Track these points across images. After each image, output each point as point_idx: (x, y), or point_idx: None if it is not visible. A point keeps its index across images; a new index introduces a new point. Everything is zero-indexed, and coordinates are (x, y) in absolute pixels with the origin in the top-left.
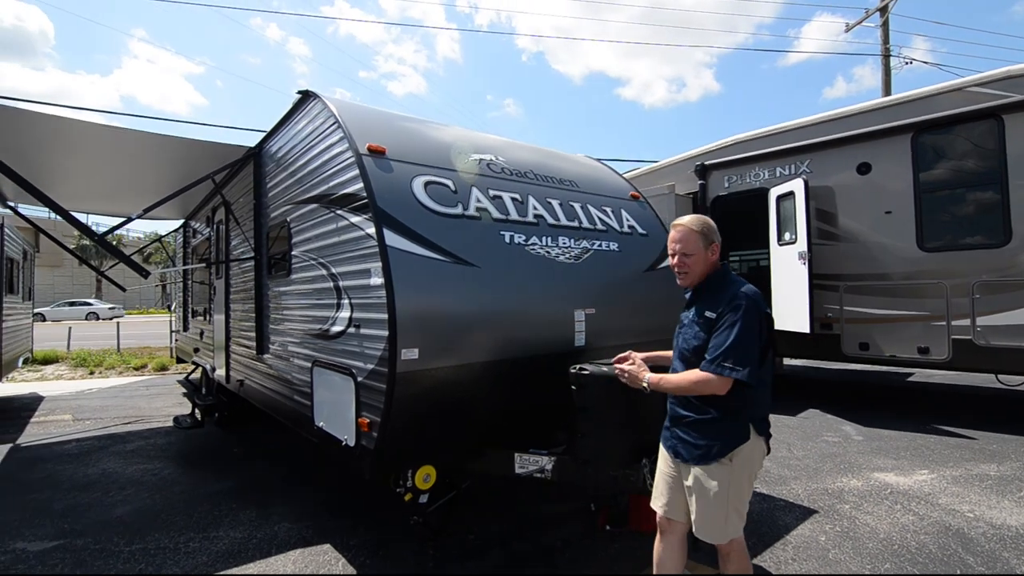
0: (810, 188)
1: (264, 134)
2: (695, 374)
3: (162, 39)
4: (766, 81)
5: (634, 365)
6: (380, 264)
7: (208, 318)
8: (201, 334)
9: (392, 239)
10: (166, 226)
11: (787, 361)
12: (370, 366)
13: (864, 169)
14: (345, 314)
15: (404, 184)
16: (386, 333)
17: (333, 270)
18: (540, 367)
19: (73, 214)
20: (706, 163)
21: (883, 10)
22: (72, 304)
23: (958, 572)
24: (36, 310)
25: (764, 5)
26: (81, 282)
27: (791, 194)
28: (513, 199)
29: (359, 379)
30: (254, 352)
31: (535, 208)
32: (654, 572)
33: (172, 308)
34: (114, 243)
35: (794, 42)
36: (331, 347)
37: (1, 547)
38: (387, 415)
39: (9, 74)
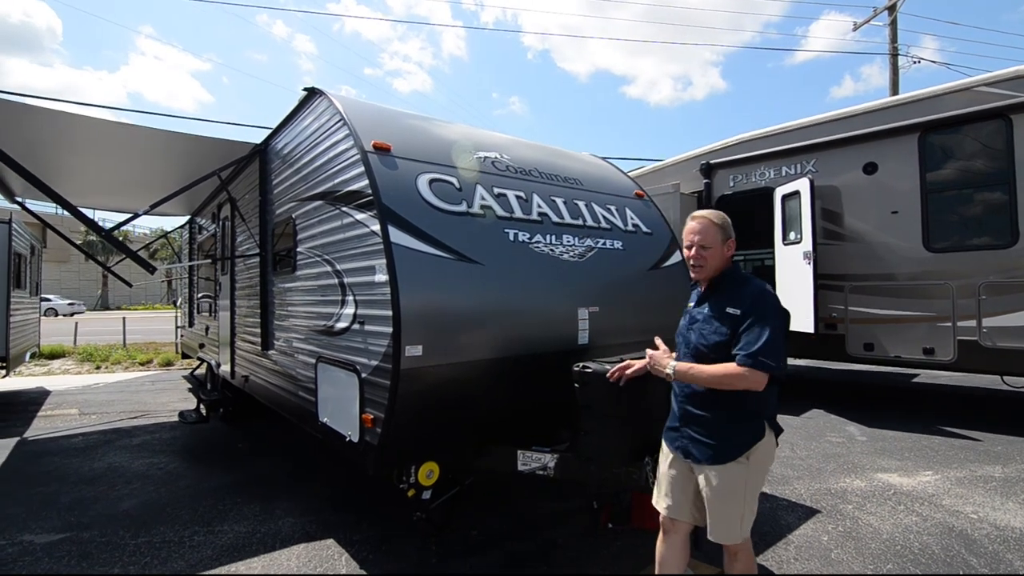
0: (816, 187)
1: (270, 131)
2: (731, 367)
3: (169, 36)
4: (773, 79)
5: (658, 350)
6: (384, 261)
7: (213, 314)
8: (206, 330)
9: (397, 236)
10: (172, 222)
11: (791, 361)
12: (374, 362)
13: (870, 169)
14: (350, 310)
15: (409, 181)
16: (390, 330)
17: (338, 267)
18: (543, 365)
19: (80, 210)
20: (711, 162)
21: (891, 8)
22: None
23: (961, 573)
24: None
25: (772, 3)
26: (88, 277)
27: (796, 193)
28: (517, 197)
29: (363, 375)
30: (259, 348)
31: (539, 206)
32: (656, 571)
33: (177, 304)
34: (120, 239)
35: (802, 40)
36: (335, 343)
37: (9, 539)
38: (391, 411)
39: (17, 70)
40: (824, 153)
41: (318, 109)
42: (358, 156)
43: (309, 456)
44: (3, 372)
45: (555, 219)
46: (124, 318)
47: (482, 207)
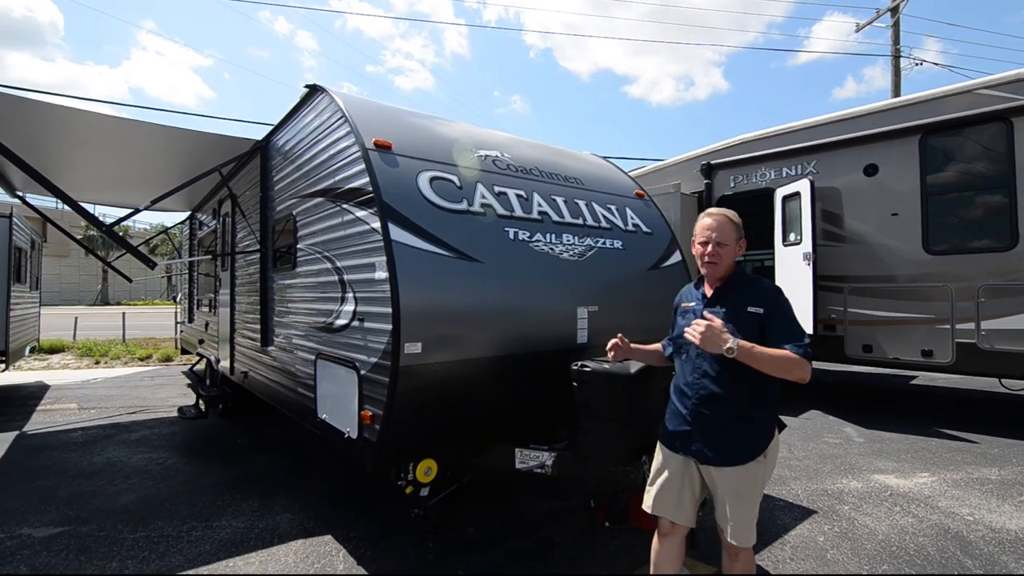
0: (816, 189)
1: (271, 127)
2: (791, 354)
3: (171, 31)
4: (775, 80)
5: (716, 323)
6: (385, 258)
7: (213, 310)
8: (206, 325)
9: (397, 233)
10: (172, 218)
11: None
12: (373, 359)
13: (871, 170)
14: (349, 307)
15: (410, 179)
16: (389, 327)
17: (338, 263)
18: (542, 363)
19: (81, 205)
20: (712, 162)
21: (894, 10)
22: None
23: (956, 574)
24: None
25: (775, 4)
26: (88, 272)
27: (797, 194)
28: (518, 195)
29: (362, 372)
30: (258, 344)
31: (540, 205)
32: (651, 572)
33: (177, 300)
34: (121, 234)
35: (804, 41)
36: (335, 340)
37: (7, 532)
38: (390, 408)
39: (19, 64)
40: (825, 154)
41: (319, 106)
42: (359, 153)
43: (308, 452)
44: (3, 366)
45: (555, 218)
46: (124, 313)
47: (482, 205)
